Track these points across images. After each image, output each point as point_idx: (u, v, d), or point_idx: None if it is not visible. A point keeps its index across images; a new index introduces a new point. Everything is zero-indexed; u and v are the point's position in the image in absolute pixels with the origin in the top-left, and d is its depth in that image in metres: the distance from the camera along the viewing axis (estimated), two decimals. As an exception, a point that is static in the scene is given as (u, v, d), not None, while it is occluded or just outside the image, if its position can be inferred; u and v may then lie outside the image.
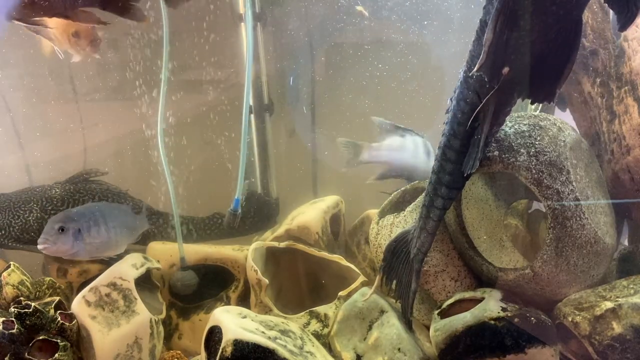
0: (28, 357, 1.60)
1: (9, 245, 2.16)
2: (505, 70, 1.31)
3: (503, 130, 1.60)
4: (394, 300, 1.77)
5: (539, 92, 1.36)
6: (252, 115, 2.69)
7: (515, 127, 1.61)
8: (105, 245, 1.99)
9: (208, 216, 2.48)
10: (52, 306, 1.71)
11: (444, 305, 1.65)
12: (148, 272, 2.04)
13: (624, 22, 1.23)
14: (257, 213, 2.56)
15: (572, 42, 1.27)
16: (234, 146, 2.54)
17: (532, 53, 1.28)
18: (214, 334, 1.53)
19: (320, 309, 1.89)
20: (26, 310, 1.65)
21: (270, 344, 1.44)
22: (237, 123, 2.21)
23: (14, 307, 1.66)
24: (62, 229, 1.88)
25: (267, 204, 2.64)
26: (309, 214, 2.23)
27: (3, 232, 2.15)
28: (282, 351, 1.43)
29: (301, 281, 2.23)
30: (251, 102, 2.64)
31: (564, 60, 1.28)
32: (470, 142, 1.50)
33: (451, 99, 1.57)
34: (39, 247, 1.88)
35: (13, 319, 1.63)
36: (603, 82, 1.81)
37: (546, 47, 1.28)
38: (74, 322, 1.74)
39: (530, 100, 1.41)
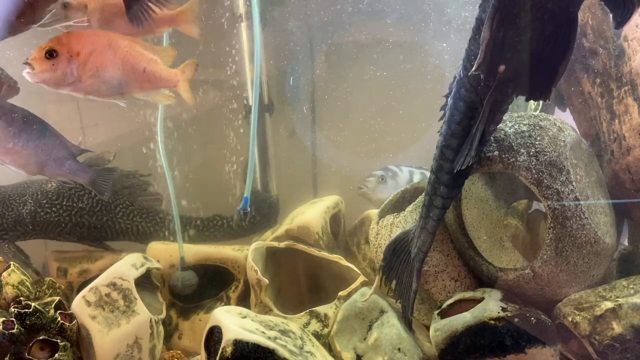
0: (28, 357, 1.60)
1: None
2: (502, 68, 1.31)
3: (503, 130, 1.60)
4: (394, 300, 1.77)
5: (535, 90, 1.36)
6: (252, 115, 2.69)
7: (515, 127, 1.61)
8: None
9: (208, 217, 2.47)
10: (52, 306, 1.71)
11: (444, 305, 1.65)
12: (148, 272, 2.04)
13: (620, 20, 1.23)
14: (258, 212, 2.55)
15: (568, 40, 1.27)
16: (233, 146, 2.54)
17: (528, 51, 1.28)
18: (214, 334, 1.53)
19: (320, 309, 1.89)
20: (26, 310, 1.65)
21: (271, 344, 1.44)
22: (235, 123, 2.21)
23: (14, 307, 1.66)
24: None
25: (267, 201, 2.62)
26: (309, 214, 2.23)
27: None
28: (282, 351, 1.43)
29: (301, 281, 2.23)
30: (251, 102, 2.64)
31: (560, 57, 1.28)
32: None
33: (447, 97, 1.57)
34: None
35: (13, 319, 1.63)
36: (603, 82, 1.81)
37: (542, 45, 1.28)
38: (74, 322, 1.74)
39: (525, 98, 1.41)
